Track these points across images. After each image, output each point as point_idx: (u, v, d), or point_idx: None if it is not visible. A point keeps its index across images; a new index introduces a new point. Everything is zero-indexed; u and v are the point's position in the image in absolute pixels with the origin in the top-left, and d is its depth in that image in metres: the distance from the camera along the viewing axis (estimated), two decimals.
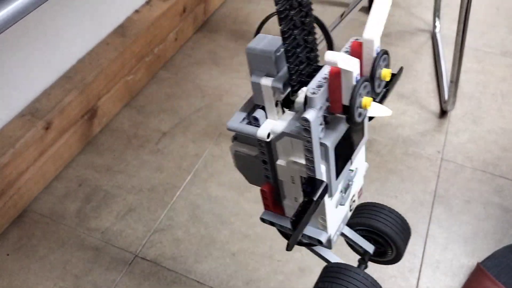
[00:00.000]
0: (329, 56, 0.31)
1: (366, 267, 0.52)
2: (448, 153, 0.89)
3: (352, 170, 0.43)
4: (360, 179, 0.46)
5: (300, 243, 0.47)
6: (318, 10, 1.16)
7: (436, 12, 1.13)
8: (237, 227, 0.77)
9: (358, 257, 0.54)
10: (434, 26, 1.13)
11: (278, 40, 0.35)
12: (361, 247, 0.52)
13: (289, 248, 0.39)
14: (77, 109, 0.82)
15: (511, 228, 0.78)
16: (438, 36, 1.11)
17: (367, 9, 1.18)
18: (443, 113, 0.96)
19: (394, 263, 0.54)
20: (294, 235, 0.37)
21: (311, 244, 0.48)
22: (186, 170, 0.84)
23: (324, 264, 0.50)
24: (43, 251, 0.73)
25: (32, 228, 0.76)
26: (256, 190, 0.81)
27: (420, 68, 1.05)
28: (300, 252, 0.74)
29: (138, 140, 0.89)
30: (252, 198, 0.81)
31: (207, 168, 0.85)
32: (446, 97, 0.96)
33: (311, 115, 0.33)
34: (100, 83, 0.86)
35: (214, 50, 1.08)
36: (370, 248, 0.52)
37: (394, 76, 0.39)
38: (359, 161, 0.44)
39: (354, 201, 0.46)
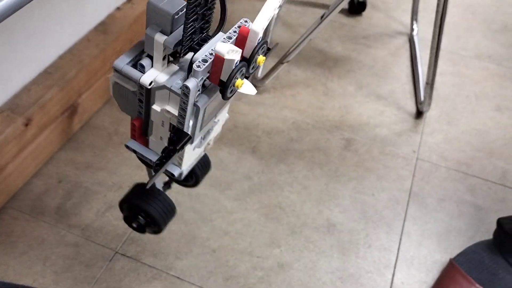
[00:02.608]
0: (220, 47, 0.37)
1: (169, 187, 0.62)
2: (423, 153, 0.92)
3: (215, 122, 0.50)
4: (219, 127, 0.53)
5: (149, 164, 0.53)
6: (298, 11, 1.18)
7: (414, 16, 1.16)
8: (217, 224, 0.78)
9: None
10: (412, 29, 1.16)
11: (179, 2, 0.39)
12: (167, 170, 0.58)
13: (147, 185, 0.50)
14: (58, 106, 0.82)
15: (482, 226, 0.81)
16: (416, 39, 1.14)
17: (347, 11, 1.20)
18: (419, 114, 0.98)
19: (194, 186, 0.63)
20: (155, 176, 0.46)
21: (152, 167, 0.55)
22: None
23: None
24: (23, 247, 0.73)
25: (11, 225, 0.75)
26: (237, 188, 0.82)
27: (398, 70, 1.08)
28: (279, 248, 0.76)
29: (119, 137, 0.89)
30: (232, 195, 0.82)
31: None
32: (422, 98, 0.98)
33: (192, 84, 0.39)
34: (81, 80, 0.86)
35: None
36: (177, 171, 0.58)
37: (269, 51, 0.45)
38: (222, 115, 0.51)
39: (209, 144, 0.54)
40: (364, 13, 1.21)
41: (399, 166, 0.89)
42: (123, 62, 0.42)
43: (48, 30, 0.81)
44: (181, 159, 0.49)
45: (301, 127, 0.94)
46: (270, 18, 0.39)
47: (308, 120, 0.95)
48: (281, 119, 0.95)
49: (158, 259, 0.73)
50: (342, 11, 1.20)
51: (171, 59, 0.43)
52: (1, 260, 0.71)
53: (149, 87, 0.42)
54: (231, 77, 0.39)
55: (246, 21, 0.42)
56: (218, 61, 0.39)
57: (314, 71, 1.05)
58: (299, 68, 1.05)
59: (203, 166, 0.60)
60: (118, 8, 0.96)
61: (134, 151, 0.49)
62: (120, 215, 0.79)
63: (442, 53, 0.98)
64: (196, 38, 0.41)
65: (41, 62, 0.83)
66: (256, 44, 0.40)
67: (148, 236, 0.75)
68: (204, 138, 0.50)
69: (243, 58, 0.41)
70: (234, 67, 0.39)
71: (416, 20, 1.16)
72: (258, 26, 0.38)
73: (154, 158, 0.49)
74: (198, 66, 0.39)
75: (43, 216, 0.77)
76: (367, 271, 0.74)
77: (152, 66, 0.42)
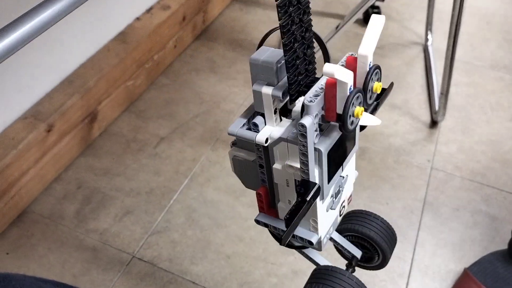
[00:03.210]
0: (327, 67, 0.34)
1: (353, 271, 0.54)
2: (437, 162, 0.92)
3: (343, 177, 0.45)
4: (350, 186, 0.48)
5: (292, 246, 0.50)
6: (314, 22, 1.19)
7: (429, 26, 1.17)
8: (232, 230, 0.79)
9: (346, 262, 0.57)
10: (426, 39, 1.17)
11: (280, 53, 0.38)
12: (349, 252, 0.54)
13: (282, 243, 0.42)
14: (78, 113, 0.84)
15: (497, 236, 0.81)
16: (430, 49, 1.14)
17: (361, 22, 1.21)
18: (433, 123, 0.99)
19: (380, 269, 0.57)
20: (287, 232, 0.39)
21: (302, 246, 0.50)
22: (183, 174, 0.87)
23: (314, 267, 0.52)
24: (42, 251, 0.75)
25: (32, 228, 0.77)
26: (251, 195, 0.83)
27: (412, 80, 1.09)
28: (294, 255, 0.77)
29: (137, 144, 0.91)
30: (247, 202, 0.83)
31: (203, 172, 0.87)
32: (436, 108, 0.99)
33: (307, 121, 0.36)
34: (101, 88, 0.88)
35: (212, 58, 1.11)
36: (357, 253, 0.55)
37: (385, 90, 0.42)
38: (350, 168, 0.46)
39: (344, 207, 0.49)
40: None
41: (413, 175, 0.89)
42: (236, 127, 0.40)
43: (70, 40, 0.83)
44: (316, 222, 0.44)
45: None
46: (377, 40, 0.36)
47: None
48: None
49: (174, 264, 0.74)
50: (357, 21, 1.21)
51: (283, 118, 0.41)
52: (21, 263, 0.73)
53: (266, 144, 0.40)
54: (348, 104, 0.35)
55: (352, 54, 0.38)
56: (330, 87, 0.36)
57: None
58: None
59: (387, 237, 0.54)
60: (137, 19, 0.99)
61: (266, 225, 0.46)
62: (137, 219, 0.80)
63: (456, 63, 0.99)
64: (303, 82, 0.39)
65: (62, 71, 0.85)
66: (368, 69, 0.37)
67: (164, 241, 0.77)
68: (335, 197, 0.46)
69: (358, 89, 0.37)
70: (349, 93, 0.36)
71: (430, 30, 1.17)
72: (365, 49, 0.36)
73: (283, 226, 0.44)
74: (310, 101, 0.36)
75: (62, 220, 0.78)
76: (381, 280, 0.75)
77: (265, 124, 0.40)
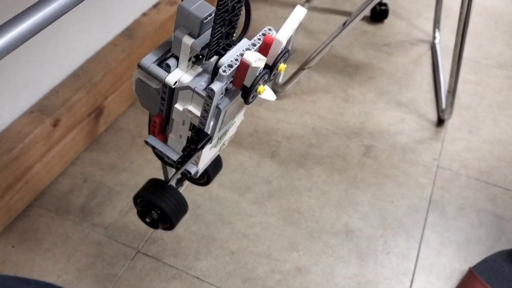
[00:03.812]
0: (248, 56, 0.39)
1: (181, 184, 0.64)
2: (444, 161, 0.91)
3: (232, 123, 0.52)
4: (234, 129, 0.55)
5: (163, 160, 0.55)
6: (320, 18, 1.19)
7: (436, 24, 1.16)
8: (236, 226, 0.79)
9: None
10: (434, 37, 1.16)
11: (208, 8, 0.41)
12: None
13: (168, 183, 0.52)
14: (85, 108, 0.85)
15: (503, 235, 0.80)
16: (438, 47, 1.14)
17: (368, 19, 1.21)
18: (440, 122, 0.98)
19: (206, 185, 0.66)
20: (175, 173, 0.49)
21: (170, 164, 0.56)
22: None
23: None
24: (48, 244, 0.75)
25: (37, 222, 0.78)
26: (256, 192, 0.83)
27: (419, 78, 1.08)
28: (298, 252, 0.77)
29: (142, 139, 0.92)
30: (251, 199, 0.83)
31: None
32: (443, 106, 0.98)
33: (217, 87, 0.41)
34: (107, 83, 0.88)
35: None
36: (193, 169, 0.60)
37: (288, 56, 0.46)
38: (238, 117, 0.52)
39: (224, 145, 0.56)
40: (386, 21, 1.21)
41: (419, 173, 0.89)
42: (149, 61, 0.44)
43: (77, 35, 0.84)
44: (199, 158, 0.51)
45: (321, 133, 0.95)
46: (294, 29, 0.40)
47: (328, 126, 0.96)
48: (301, 125, 0.96)
49: (179, 259, 0.74)
50: (364, 18, 1.21)
51: (193, 60, 0.45)
52: (27, 256, 0.74)
53: (174, 86, 0.43)
54: (255, 83, 0.41)
55: (270, 29, 0.43)
56: (243, 67, 0.41)
57: (334, 78, 1.06)
58: (319, 74, 1.06)
59: (215, 165, 0.63)
60: (144, 14, 0.99)
61: (153, 147, 0.51)
62: None
63: (464, 61, 0.98)
64: (222, 43, 0.43)
65: (69, 65, 0.85)
66: (279, 52, 0.42)
67: (168, 236, 0.77)
68: (220, 138, 0.52)
69: (265, 65, 0.42)
70: (258, 74, 0.41)
71: (438, 28, 1.16)
72: (282, 36, 0.40)
73: (172, 155, 0.51)
74: (224, 71, 0.41)
75: (68, 215, 0.79)
76: (386, 278, 0.74)
77: (177, 67, 0.44)
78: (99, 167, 0.86)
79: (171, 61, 0.43)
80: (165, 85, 0.44)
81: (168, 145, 0.51)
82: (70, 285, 0.71)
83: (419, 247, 0.78)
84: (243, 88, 0.42)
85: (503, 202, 0.85)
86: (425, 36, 1.19)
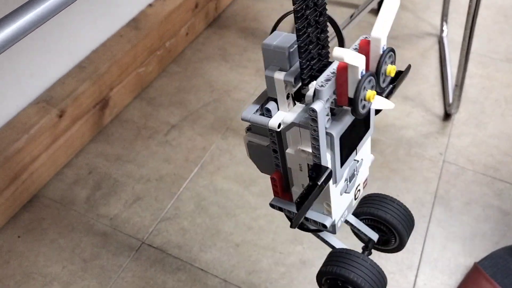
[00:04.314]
0: (337, 52, 0.33)
1: (370, 253, 0.54)
2: (450, 156, 0.91)
3: (357, 161, 0.45)
4: (365, 169, 0.48)
5: (308, 229, 0.50)
6: (328, 11, 1.18)
7: (444, 17, 1.15)
8: (241, 219, 0.79)
9: (363, 245, 0.56)
10: (442, 31, 1.15)
11: (292, 37, 0.38)
12: (365, 235, 0.54)
13: (292, 225, 0.42)
14: (90, 99, 0.85)
15: (509, 231, 0.80)
16: (445, 40, 1.13)
17: (376, 11, 1.20)
18: (447, 116, 0.97)
19: (397, 252, 0.56)
20: (297, 215, 0.40)
21: (317, 230, 0.50)
22: (193, 162, 0.87)
23: (327, 251, 0.52)
24: (53, 235, 0.75)
25: (43, 213, 0.78)
26: (260, 184, 0.83)
27: (426, 72, 1.07)
28: (302, 245, 0.76)
29: (148, 131, 0.91)
30: (256, 192, 0.83)
31: (213, 161, 0.87)
32: (450, 100, 0.97)
33: (318, 106, 0.36)
34: (112, 74, 0.88)
35: (224, 46, 1.10)
36: (374, 236, 0.54)
37: (402, 73, 0.41)
38: (364, 152, 0.46)
39: (359, 191, 0.49)
40: None
41: (425, 168, 0.88)
42: (249, 113, 0.41)
43: (82, 26, 0.83)
44: (329, 205, 0.45)
45: None
46: (391, 23, 0.35)
47: None
48: None
49: (183, 251, 0.74)
50: (371, 11, 1.19)
51: (296, 103, 0.41)
52: (32, 246, 0.74)
53: (278, 129, 0.40)
54: (359, 88, 0.35)
55: (366, 37, 0.38)
56: (341, 73, 0.36)
57: None
58: None
59: (407, 222, 0.54)
60: (150, 5, 0.98)
61: (280, 209, 0.47)
62: (147, 206, 0.81)
63: (472, 55, 0.97)
64: (315, 66, 0.39)
65: (75, 56, 0.85)
66: (382, 52, 0.36)
67: (173, 228, 0.77)
68: (350, 181, 0.46)
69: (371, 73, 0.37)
70: (360, 77, 0.35)
71: (446, 21, 1.15)
72: (378, 31, 0.35)
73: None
74: (321, 86, 0.36)
75: (73, 205, 0.79)
76: (390, 272, 0.74)
77: (278, 109, 0.40)
78: (104, 158, 0.86)
79: (271, 105, 0.40)
80: (272, 134, 0.41)
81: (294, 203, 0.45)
82: (75, 275, 0.71)
83: (424, 241, 0.78)
84: (349, 101, 0.36)
85: (509, 197, 0.85)
86: (432, 30, 1.18)
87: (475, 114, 0.99)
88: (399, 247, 0.55)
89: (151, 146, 0.89)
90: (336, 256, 0.48)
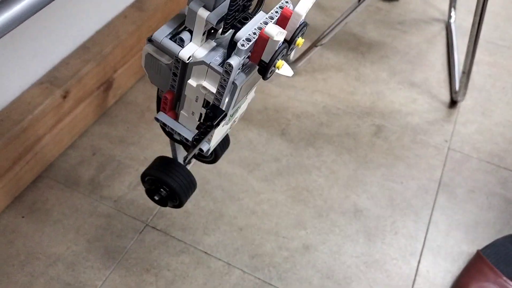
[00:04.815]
0: (270, 29, 0.38)
1: (189, 163, 0.62)
2: (455, 143, 0.90)
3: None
4: (245, 106, 0.54)
5: (172, 138, 0.55)
6: None
7: (452, 3, 1.14)
8: (245, 203, 0.79)
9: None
10: (449, 17, 1.14)
11: None
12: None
13: (186, 162, 0.51)
14: (94, 80, 0.84)
15: None
16: (453, 26, 1.11)
17: None
18: (453, 103, 0.97)
19: (213, 163, 0.65)
20: (192, 151, 0.48)
21: (181, 143, 0.56)
22: None
23: None
24: (57, 215, 0.76)
25: (47, 193, 0.78)
26: (265, 170, 0.83)
27: (433, 58, 1.06)
28: (305, 230, 0.77)
29: (151, 113, 0.91)
30: (260, 176, 0.83)
31: None
32: (457, 87, 0.97)
33: (235, 62, 0.39)
34: (117, 56, 0.87)
35: None
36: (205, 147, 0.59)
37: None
38: (251, 93, 0.52)
39: (234, 122, 0.55)
40: None
41: (429, 155, 0.88)
42: (162, 35, 0.42)
43: (86, 5, 0.82)
44: (211, 136, 0.51)
45: (331, 112, 0.94)
46: (313, 1, 0.39)
47: (338, 105, 0.95)
48: (311, 103, 0.95)
49: (187, 233, 0.75)
50: None
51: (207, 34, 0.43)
52: (37, 226, 0.74)
53: (188, 61, 0.42)
54: (274, 58, 0.40)
55: (287, 2, 0.42)
56: (262, 41, 0.39)
57: (346, 56, 1.04)
58: (331, 52, 1.05)
59: (223, 143, 0.62)
60: None
61: (164, 124, 0.50)
62: None
63: (479, 42, 0.96)
64: (238, 16, 0.41)
65: (79, 37, 0.84)
66: (298, 26, 0.40)
67: (177, 211, 0.77)
68: (232, 115, 0.51)
69: (284, 41, 0.41)
70: (277, 48, 0.39)
71: (454, 7, 1.14)
72: (302, 8, 0.39)
73: (184, 132, 0.49)
74: (243, 45, 0.39)
75: (77, 187, 0.79)
76: (393, 258, 0.75)
77: (191, 41, 0.42)
78: (108, 140, 0.86)
79: (185, 35, 0.42)
80: (177, 60, 0.43)
81: (179, 122, 0.50)
82: (79, 256, 0.71)
83: (427, 228, 0.78)
84: (260, 63, 0.41)
85: None
86: (440, 15, 1.16)
87: (481, 102, 0.98)
88: (215, 160, 0.64)
89: (154, 128, 0.88)
90: (163, 162, 0.57)
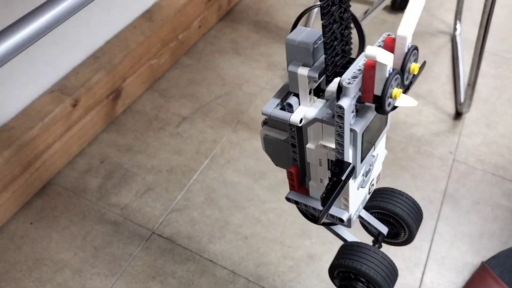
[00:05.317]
0: (369, 50, 0.34)
1: (380, 246, 0.55)
2: (460, 154, 0.91)
3: (373, 156, 0.46)
4: (379, 164, 0.49)
5: (322, 223, 0.50)
6: None
7: (458, 15, 1.15)
8: (250, 212, 0.80)
9: (372, 238, 0.57)
10: (455, 29, 1.14)
11: (316, 33, 0.38)
12: (375, 228, 0.55)
13: (319, 221, 0.43)
14: (104, 89, 0.85)
15: None
16: (458, 39, 1.12)
17: (389, 8, 1.19)
18: (458, 115, 0.97)
19: (406, 244, 0.57)
20: (324, 211, 0.40)
21: (331, 223, 0.51)
22: (204, 155, 0.87)
23: (338, 244, 0.53)
24: (65, 222, 0.77)
25: (55, 200, 0.79)
26: (270, 178, 0.84)
27: (438, 70, 1.07)
28: (310, 240, 0.77)
29: (159, 122, 0.92)
30: (266, 185, 0.83)
31: (224, 154, 0.88)
32: (462, 99, 0.97)
33: (345, 103, 0.36)
34: (126, 65, 0.89)
35: (236, 39, 1.11)
36: (384, 229, 0.55)
37: (419, 69, 0.42)
38: (380, 147, 0.47)
39: (372, 185, 0.50)
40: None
41: (434, 166, 0.88)
42: (270, 107, 0.41)
43: (97, 17, 0.84)
44: (347, 200, 0.45)
45: None
46: (416, 21, 0.35)
47: None
48: None
49: (193, 241, 0.75)
50: (384, 8, 1.19)
51: (314, 95, 0.41)
52: (45, 233, 0.75)
53: (300, 124, 0.40)
54: (387, 86, 0.35)
55: (389, 34, 0.38)
56: (369, 70, 0.36)
57: None
58: None
59: (416, 215, 0.54)
60: None
61: (296, 203, 0.47)
62: (157, 196, 0.82)
63: (484, 54, 0.97)
64: (339, 62, 0.39)
65: (89, 46, 0.86)
66: (407, 50, 0.36)
67: (183, 219, 0.78)
68: (366, 176, 0.46)
69: (394, 70, 0.37)
70: (388, 75, 0.35)
71: (459, 19, 1.14)
72: (404, 30, 0.35)
73: (317, 205, 0.46)
74: (349, 83, 0.36)
75: (85, 194, 0.80)
76: (397, 268, 0.75)
77: (299, 105, 0.41)
78: (116, 148, 0.87)
79: (292, 100, 0.40)
80: (291, 128, 0.41)
81: (311, 196, 0.46)
82: (86, 262, 0.72)
83: (432, 239, 0.78)
84: (375, 99, 0.37)
85: None
86: (445, 28, 1.17)
87: (486, 114, 0.99)
88: (408, 240, 0.56)
89: (162, 137, 0.89)
90: (348, 249, 0.49)
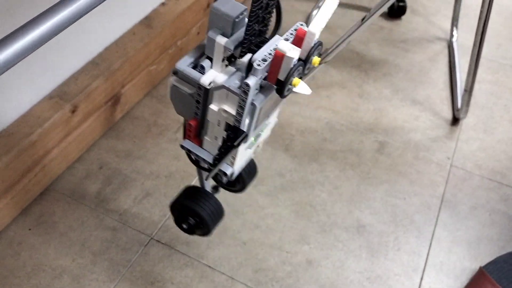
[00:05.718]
0: (282, 46, 0.39)
1: (217, 191, 0.63)
2: (457, 160, 0.91)
3: (266, 124, 0.52)
4: (269, 130, 0.55)
5: (198, 165, 0.56)
6: (337, 13, 1.19)
7: (454, 22, 1.15)
8: (249, 217, 0.80)
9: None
10: (452, 35, 1.15)
11: (240, 7, 0.42)
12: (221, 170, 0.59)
13: (207, 178, 0.52)
14: (102, 95, 0.86)
15: None
16: (455, 45, 1.13)
17: (386, 15, 1.20)
18: (455, 120, 0.98)
19: (240, 192, 0.65)
20: (213, 170, 0.48)
21: (203, 168, 0.56)
22: None
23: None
24: (63, 228, 0.77)
25: (54, 206, 0.79)
26: (269, 184, 0.84)
27: (435, 76, 1.08)
28: (309, 245, 0.77)
29: (158, 128, 0.93)
30: (264, 191, 0.83)
31: None
32: (459, 105, 0.98)
33: (252, 81, 0.41)
34: (125, 71, 0.89)
35: None
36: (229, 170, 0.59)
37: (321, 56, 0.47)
38: (272, 117, 0.52)
39: (258, 147, 0.56)
40: (403, 17, 1.21)
41: (432, 171, 0.89)
42: (184, 64, 0.44)
43: (96, 23, 0.84)
44: (234, 159, 0.51)
45: (335, 128, 0.95)
46: (327, 21, 0.40)
47: (342, 121, 0.96)
48: (315, 119, 0.96)
49: (191, 247, 0.75)
50: (382, 14, 1.20)
51: (227, 61, 0.45)
52: (43, 239, 0.75)
53: (208, 87, 0.44)
54: (289, 75, 0.41)
55: (301, 24, 0.43)
56: (277, 59, 0.41)
57: (350, 73, 1.06)
58: (335, 69, 1.06)
59: (249, 171, 0.62)
60: (163, 4, 0.99)
61: (189, 151, 0.51)
62: (156, 202, 0.82)
63: (481, 60, 0.97)
64: (254, 41, 0.43)
65: (88, 53, 0.86)
66: (313, 45, 0.41)
67: None
68: (255, 139, 0.52)
69: (299, 59, 0.42)
70: (292, 66, 0.40)
71: (456, 26, 1.15)
72: (315, 27, 0.40)
73: (208, 157, 0.51)
74: (259, 65, 0.41)
75: (83, 200, 0.80)
76: (395, 274, 0.75)
77: (211, 68, 0.44)
78: (115, 154, 0.87)
79: (205, 63, 0.44)
80: (200, 87, 0.45)
81: (203, 148, 0.51)
82: (85, 268, 0.72)
83: (430, 244, 0.79)
84: (277, 82, 0.42)
85: None
86: (442, 34, 1.18)
87: (484, 119, 0.99)
88: (242, 189, 0.64)
89: (161, 143, 0.90)
90: (190, 191, 0.58)
